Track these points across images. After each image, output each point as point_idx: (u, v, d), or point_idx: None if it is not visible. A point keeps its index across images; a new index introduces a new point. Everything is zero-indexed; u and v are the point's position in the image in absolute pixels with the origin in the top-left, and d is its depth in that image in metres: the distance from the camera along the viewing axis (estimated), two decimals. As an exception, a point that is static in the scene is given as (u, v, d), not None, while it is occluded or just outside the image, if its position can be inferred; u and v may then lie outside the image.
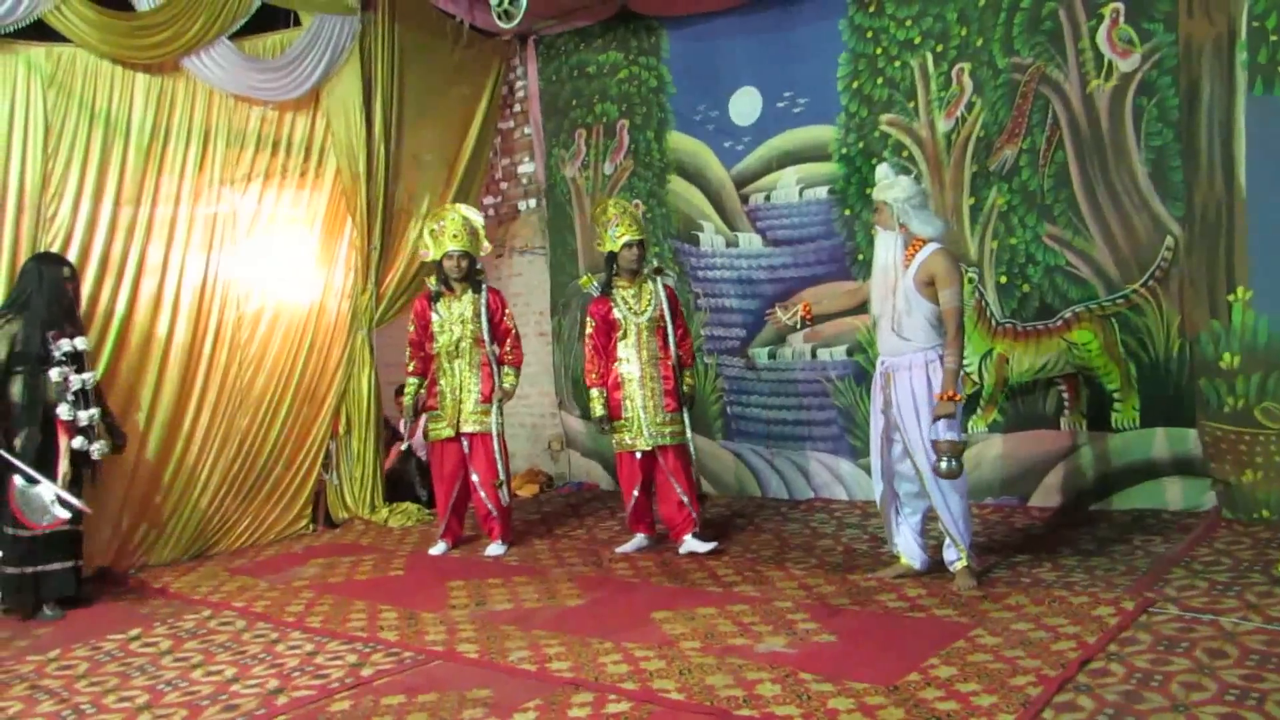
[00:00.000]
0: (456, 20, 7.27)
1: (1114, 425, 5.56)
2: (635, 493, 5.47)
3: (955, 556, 4.36)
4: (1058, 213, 5.67)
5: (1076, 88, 5.58)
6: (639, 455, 5.41)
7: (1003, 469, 5.90)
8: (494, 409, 5.65)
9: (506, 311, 5.84)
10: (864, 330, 6.24)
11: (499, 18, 6.70)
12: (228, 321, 6.24)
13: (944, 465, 4.14)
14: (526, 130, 8.08)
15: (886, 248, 4.37)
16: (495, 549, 5.68)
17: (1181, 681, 3.10)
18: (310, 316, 6.68)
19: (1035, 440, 5.80)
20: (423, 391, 5.88)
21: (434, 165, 7.30)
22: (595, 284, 5.62)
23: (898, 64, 6.19)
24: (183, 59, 5.89)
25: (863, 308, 4.84)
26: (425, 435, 6.05)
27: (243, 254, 6.31)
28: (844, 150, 6.41)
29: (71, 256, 5.52)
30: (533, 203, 8.10)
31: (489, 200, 8.23)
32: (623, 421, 5.43)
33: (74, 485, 4.85)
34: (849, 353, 6.42)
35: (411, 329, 5.84)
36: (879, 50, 6.26)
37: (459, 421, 5.67)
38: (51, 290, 4.92)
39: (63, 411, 4.81)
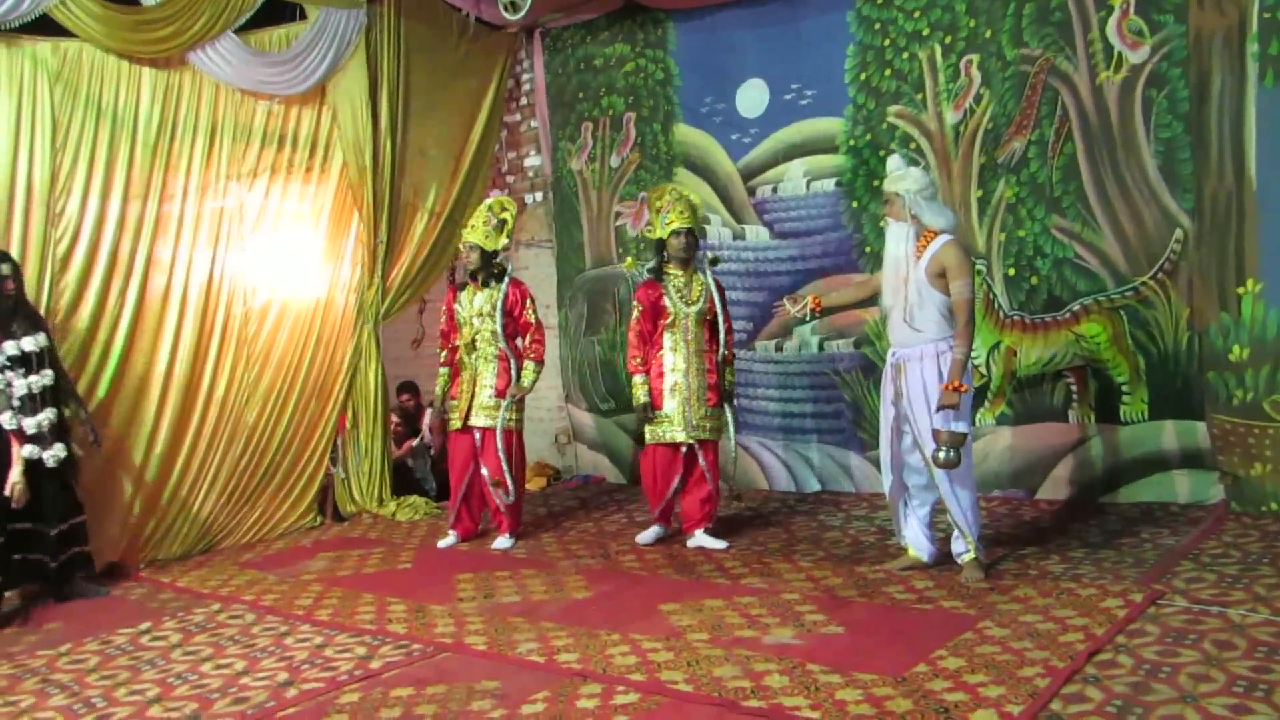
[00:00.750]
0: (462, 13, 7.26)
1: (1122, 418, 5.55)
2: (673, 489, 5.38)
3: (963, 548, 4.36)
4: (1066, 205, 5.65)
5: (1086, 79, 5.56)
6: (683, 450, 5.32)
7: (1010, 461, 5.89)
8: (506, 404, 5.61)
9: (528, 304, 5.73)
10: (872, 323, 6.23)
11: (505, 10, 6.70)
12: (235, 316, 6.25)
13: (942, 455, 4.15)
14: (533, 123, 8.07)
15: (898, 239, 4.37)
16: (502, 542, 5.69)
17: (1190, 673, 3.10)
18: (317, 311, 6.69)
19: (1043, 433, 5.79)
20: (449, 382, 5.88)
21: (440, 159, 7.30)
22: (640, 267, 5.54)
23: (906, 56, 6.17)
24: (188, 53, 5.89)
25: (873, 300, 4.84)
26: (432, 430, 6.05)
27: (250, 249, 6.32)
28: (851, 142, 6.39)
29: (80, 253, 5.56)
30: (539, 196, 8.10)
31: (495, 193, 8.21)
32: (662, 413, 5.32)
33: (63, 492, 4.80)
34: (857, 345, 6.41)
35: (443, 321, 5.87)
36: (887, 42, 6.24)
37: (469, 414, 5.67)
38: None
39: (4, 420, 4.61)
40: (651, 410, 5.33)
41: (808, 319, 5.02)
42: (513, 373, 5.65)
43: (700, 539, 5.31)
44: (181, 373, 5.96)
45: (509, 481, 5.61)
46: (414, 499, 6.97)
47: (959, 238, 4.35)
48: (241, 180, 6.27)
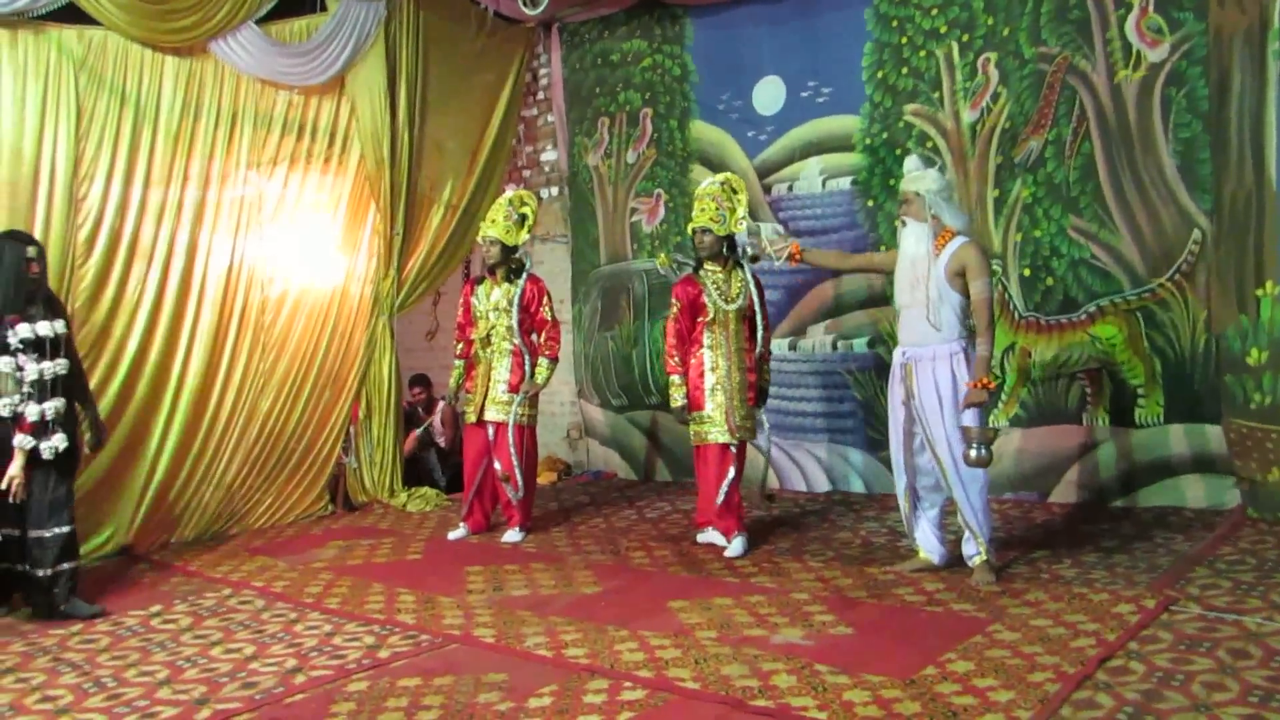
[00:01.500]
0: (481, 7, 7.26)
1: (1137, 421, 5.51)
2: (726, 485, 5.12)
3: (975, 551, 4.34)
4: (1083, 205, 5.62)
5: (1104, 78, 5.53)
6: (732, 449, 5.14)
7: (1023, 463, 5.86)
8: (519, 400, 5.60)
9: (545, 301, 5.71)
10: (885, 323, 6.21)
11: (524, 4, 6.70)
12: (253, 305, 6.27)
13: (974, 453, 4.12)
14: (550, 118, 8.07)
15: (916, 239, 4.35)
16: (512, 536, 5.69)
17: (1203, 681, 3.07)
18: (333, 301, 6.72)
19: (1057, 435, 5.76)
20: (463, 375, 5.89)
21: (457, 152, 7.31)
22: (674, 264, 5.45)
23: (923, 53, 6.15)
24: (210, 43, 5.91)
25: (849, 271, 4.86)
26: (443, 421, 6.05)
27: (268, 238, 6.35)
28: (868, 140, 6.37)
29: (102, 239, 5.59)
30: (555, 190, 8.10)
31: (511, 188, 8.21)
32: (706, 414, 5.14)
33: (58, 492, 4.43)
34: (870, 345, 6.38)
35: (460, 313, 5.87)
36: (904, 39, 6.21)
37: (483, 408, 5.67)
38: (12, 270, 4.44)
39: (2, 407, 4.34)
40: (689, 412, 5.17)
41: (777, 262, 4.98)
42: (527, 368, 5.64)
43: (710, 535, 5.28)
44: (199, 359, 5.99)
45: (518, 477, 5.61)
46: (425, 490, 6.99)
47: (975, 238, 4.35)
48: (261, 169, 6.30)
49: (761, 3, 6.75)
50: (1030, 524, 5.33)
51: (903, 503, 4.57)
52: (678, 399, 5.19)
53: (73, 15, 5.37)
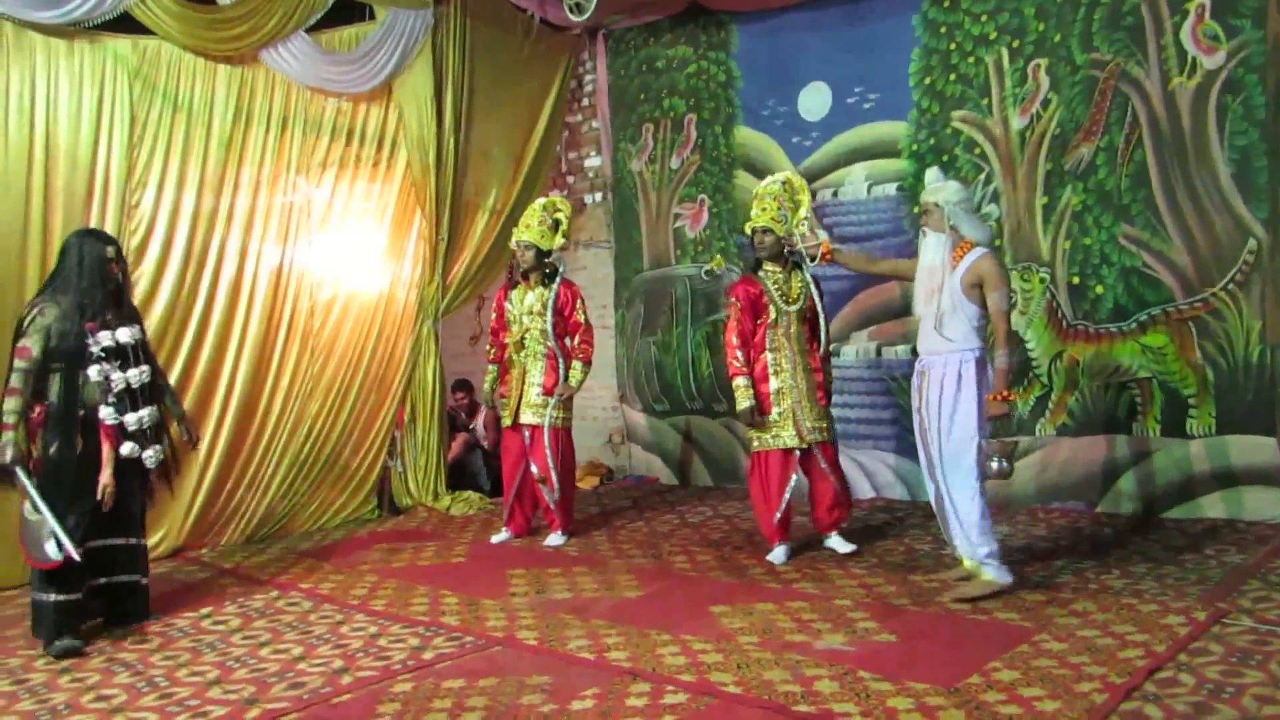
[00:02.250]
0: (528, 14, 7.33)
1: (1189, 432, 5.42)
2: (787, 496, 5.01)
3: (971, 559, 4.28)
4: (1135, 213, 5.55)
5: (1158, 85, 5.45)
6: (797, 454, 5.02)
7: (1071, 473, 5.78)
8: (553, 403, 5.63)
9: (579, 305, 5.74)
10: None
11: (570, 11, 6.74)
12: (301, 310, 6.37)
13: (994, 465, 4.07)
14: (594, 124, 8.12)
15: (934, 249, 4.32)
16: (555, 539, 5.72)
17: (1254, 694, 3.02)
18: (379, 306, 6.80)
19: (1106, 445, 5.68)
20: (498, 379, 5.94)
21: (502, 158, 7.37)
22: (726, 267, 5.34)
23: (972, 60, 6.11)
24: (261, 51, 6.02)
25: (880, 277, 4.79)
26: (486, 425, 6.09)
27: (316, 244, 6.45)
28: (914, 147, 6.34)
29: (155, 245, 5.70)
30: (599, 196, 8.14)
31: (555, 193, 8.27)
32: (773, 418, 5.00)
33: (125, 498, 4.26)
34: (914, 352, 6.33)
35: (494, 318, 5.92)
36: (953, 46, 6.17)
37: (518, 411, 5.72)
38: (93, 272, 4.20)
39: (105, 415, 4.18)
40: (759, 415, 5.01)
41: (810, 258, 4.97)
42: (561, 371, 5.67)
43: (832, 543, 5.16)
44: (247, 364, 6.09)
45: (555, 479, 5.64)
46: (468, 494, 7.05)
47: (994, 251, 4.30)
48: (310, 175, 6.40)
49: (808, 9, 6.74)
50: (1078, 534, 5.26)
51: (936, 510, 4.53)
52: (745, 400, 4.98)
53: (127, 25, 5.50)
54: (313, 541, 6.11)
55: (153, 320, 5.67)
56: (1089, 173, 5.69)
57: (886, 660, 3.50)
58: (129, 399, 4.25)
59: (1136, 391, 5.59)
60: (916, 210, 6.27)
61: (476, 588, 4.81)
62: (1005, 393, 4.11)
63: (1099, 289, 5.69)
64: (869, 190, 6.55)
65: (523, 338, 5.72)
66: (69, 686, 3.69)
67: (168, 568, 5.56)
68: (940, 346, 4.28)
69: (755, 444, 5.10)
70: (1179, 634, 3.57)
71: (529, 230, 5.64)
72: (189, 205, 5.83)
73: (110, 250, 4.29)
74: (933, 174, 4.49)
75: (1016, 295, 5.94)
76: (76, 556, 3.97)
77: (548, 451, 5.61)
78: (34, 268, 5.16)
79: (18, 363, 4.04)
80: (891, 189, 6.45)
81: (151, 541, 5.67)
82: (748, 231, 5.18)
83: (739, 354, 5.02)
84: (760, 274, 5.09)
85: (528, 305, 5.70)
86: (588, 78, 8.11)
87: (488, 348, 6.00)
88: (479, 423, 7.88)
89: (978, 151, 6.08)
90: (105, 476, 4.16)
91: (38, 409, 4.10)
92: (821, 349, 5.17)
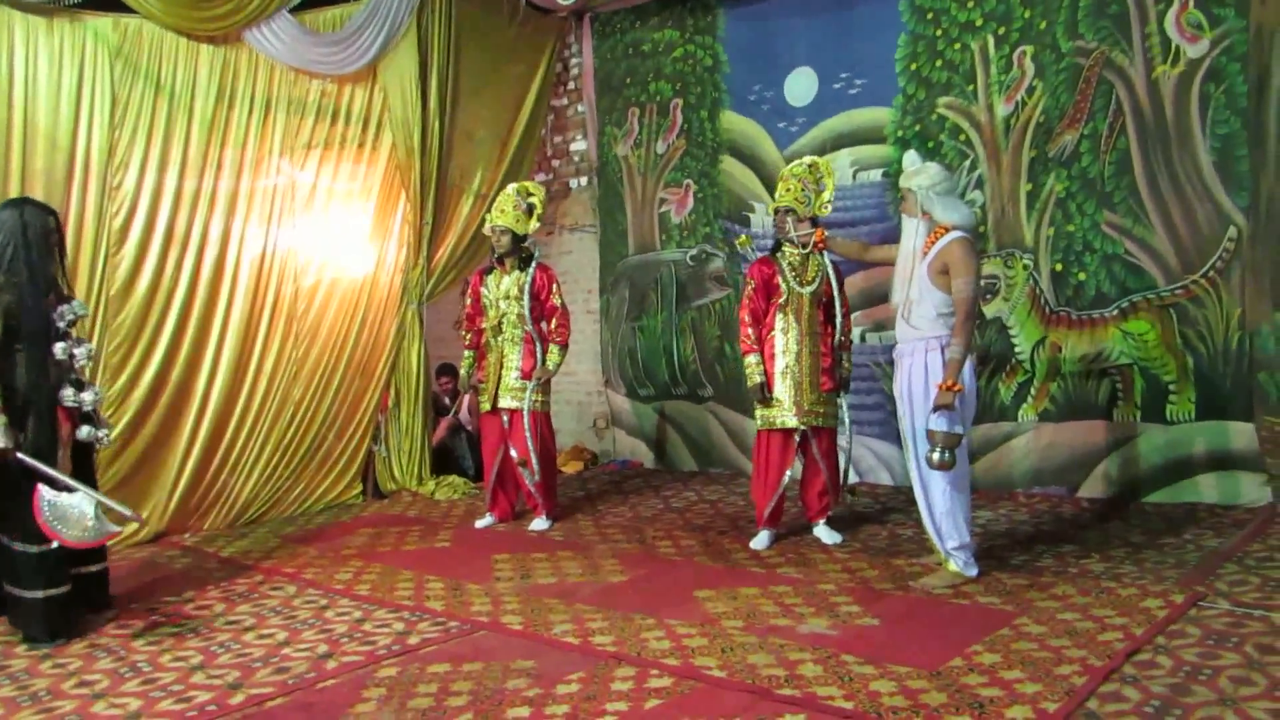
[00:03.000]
0: (514, -4, 7.29)
1: (1169, 417, 5.47)
2: (784, 481, 5.03)
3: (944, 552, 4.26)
4: (1118, 200, 5.58)
5: (1142, 73, 5.47)
6: (796, 437, 5.04)
7: (1052, 458, 5.83)
8: (532, 386, 5.65)
9: (555, 289, 5.76)
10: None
11: (557, -6, 6.70)
12: (285, 294, 6.34)
13: (936, 456, 3.99)
14: (580, 108, 8.08)
15: (909, 235, 4.28)
16: (539, 524, 5.73)
17: (1230, 676, 3.06)
18: (363, 290, 6.77)
19: (1087, 430, 5.72)
20: (474, 365, 5.93)
21: (487, 141, 7.34)
22: (752, 245, 5.26)
23: (958, 46, 6.11)
24: (244, 31, 5.96)
25: (868, 263, 4.85)
26: (470, 410, 6.09)
27: (300, 227, 6.41)
28: (900, 133, 6.35)
29: (136, 227, 5.66)
30: (584, 180, 8.12)
31: (541, 177, 8.25)
32: (775, 397, 5.02)
33: (84, 482, 4.04)
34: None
35: (468, 303, 5.90)
36: (939, 32, 6.17)
37: (497, 396, 5.72)
38: (41, 244, 3.99)
39: (68, 396, 3.98)
40: (769, 390, 5.05)
41: (802, 245, 4.96)
42: (538, 355, 5.68)
43: (819, 531, 5.17)
44: (231, 348, 6.06)
45: (534, 462, 5.65)
46: (453, 478, 7.04)
47: (969, 235, 4.18)
48: (294, 157, 6.35)
49: (795, -6, 6.73)
50: (1059, 518, 5.31)
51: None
52: (755, 377, 5.03)
53: (108, 3, 5.44)
54: (297, 526, 6.09)
55: (134, 303, 5.66)
56: (1073, 160, 5.72)
57: (869, 644, 3.53)
58: (88, 377, 4.13)
59: (1118, 377, 5.64)
60: (899, 198, 6.32)
61: (461, 572, 4.82)
62: (952, 383, 4.00)
63: (1081, 276, 5.72)
64: (854, 176, 6.55)
65: (500, 322, 5.72)
66: (50, 672, 3.67)
67: (150, 553, 5.54)
68: (909, 334, 4.25)
69: (760, 422, 5.12)
70: (1157, 617, 3.62)
71: (503, 215, 5.62)
72: (171, 187, 5.78)
73: (52, 220, 4.11)
74: (910, 157, 4.44)
75: (1000, 282, 5.97)
76: (136, 515, 3.83)
77: (527, 435, 5.62)
78: (13, 250, 5.10)
79: None
80: (877, 175, 6.46)
81: (133, 526, 5.67)
82: (770, 212, 5.17)
83: (750, 332, 5.08)
84: (777, 255, 5.09)
85: (504, 290, 5.69)
86: (574, 61, 8.08)
87: (463, 334, 5.99)
88: (463, 408, 7.87)
89: (963, 138, 6.09)
90: (65, 460, 4.00)
91: None
92: (837, 335, 5.11)
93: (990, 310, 6.01)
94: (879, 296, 6.43)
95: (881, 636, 3.62)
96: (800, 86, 6.81)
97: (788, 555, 4.87)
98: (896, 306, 4.38)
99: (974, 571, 4.24)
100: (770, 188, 6.91)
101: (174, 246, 5.81)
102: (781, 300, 5.04)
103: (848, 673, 3.25)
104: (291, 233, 6.36)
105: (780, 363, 5.05)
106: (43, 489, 3.82)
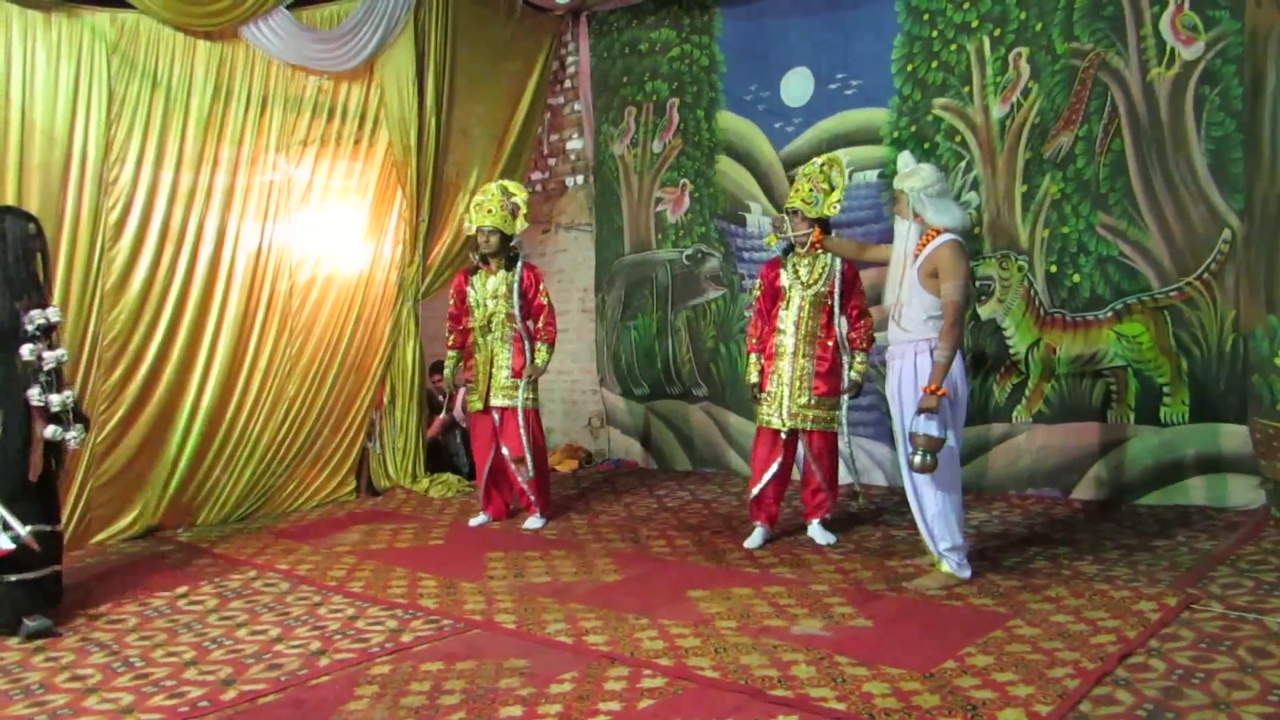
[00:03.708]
0: (511, -6, 7.28)
1: (1163, 419, 5.48)
2: (767, 476, 5.05)
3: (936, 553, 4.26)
4: (1112, 202, 5.58)
5: (1137, 75, 5.48)
6: (783, 435, 5.04)
7: (1046, 460, 5.84)
8: (523, 384, 5.68)
9: (541, 288, 5.78)
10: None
11: (554, -7, 6.69)
12: (280, 290, 6.34)
13: (918, 459, 3.97)
14: (576, 106, 8.08)
15: (901, 238, 4.27)
16: (533, 523, 5.74)
17: (1223, 680, 3.06)
18: (359, 287, 6.77)
19: (1081, 432, 5.73)
20: (460, 365, 5.93)
21: (483, 139, 7.33)
22: (777, 244, 5.28)
23: (953, 47, 6.12)
24: (241, 27, 5.95)
25: (867, 263, 4.87)
26: (464, 408, 6.09)
27: (296, 223, 6.40)
28: (896, 134, 6.35)
29: (132, 223, 5.65)
30: (580, 179, 8.11)
31: (537, 175, 8.25)
32: (766, 394, 5.09)
33: (44, 481, 4.13)
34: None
35: (452, 303, 5.90)
36: (935, 33, 6.18)
37: (488, 395, 5.73)
38: (17, 249, 4.12)
39: (34, 395, 4.04)
40: (758, 391, 5.13)
41: (802, 248, 4.95)
42: (527, 354, 5.71)
43: (813, 531, 5.17)
44: (226, 343, 6.06)
45: (529, 459, 5.67)
46: (447, 476, 7.04)
47: (960, 238, 4.15)
48: (290, 153, 6.35)
49: (791, -6, 6.74)
50: (1052, 520, 5.32)
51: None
52: (752, 375, 5.17)
53: (106, -1, 5.43)
54: (290, 522, 6.09)
55: (129, 298, 5.66)
56: (1068, 162, 5.73)
57: (862, 645, 3.54)
58: (55, 380, 4.14)
59: (1112, 379, 5.65)
60: (893, 199, 6.33)
61: (455, 570, 4.82)
62: (936, 386, 3.99)
63: (1076, 277, 5.73)
64: (850, 177, 6.52)
65: (489, 321, 5.72)
66: (43, 666, 3.67)
67: (143, 547, 5.54)
68: (899, 336, 4.24)
69: (756, 418, 5.22)
70: (1150, 620, 3.62)
71: (491, 215, 5.63)
72: (167, 182, 5.77)
73: (31, 227, 4.22)
74: (904, 159, 4.42)
75: (994, 283, 5.98)
76: (31, 541, 3.89)
77: (522, 432, 5.63)
78: (9, 244, 5.09)
79: None
80: (873, 175, 6.46)
81: (126, 521, 5.70)
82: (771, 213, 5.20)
83: (753, 332, 5.21)
84: (788, 256, 5.10)
85: (491, 289, 5.71)
86: (570, 60, 8.07)
87: (447, 334, 5.97)
88: (457, 405, 7.86)
89: (958, 139, 6.10)
90: (36, 458, 4.05)
91: None
92: (839, 337, 5.05)
93: (985, 312, 6.03)
94: (873, 298, 6.43)
95: (875, 638, 3.63)
96: (796, 87, 6.81)
97: (782, 556, 4.87)
98: (888, 308, 4.37)
99: (967, 573, 4.25)
100: (766, 188, 6.94)
101: (170, 242, 5.80)
102: (785, 302, 5.07)
103: (841, 674, 3.26)
104: (287, 229, 6.35)
105: (775, 362, 5.08)
106: None
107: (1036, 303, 5.86)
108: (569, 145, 8.18)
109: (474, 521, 5.88)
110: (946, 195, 4.27)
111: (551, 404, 8.12)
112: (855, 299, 5.11)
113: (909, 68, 6.29)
